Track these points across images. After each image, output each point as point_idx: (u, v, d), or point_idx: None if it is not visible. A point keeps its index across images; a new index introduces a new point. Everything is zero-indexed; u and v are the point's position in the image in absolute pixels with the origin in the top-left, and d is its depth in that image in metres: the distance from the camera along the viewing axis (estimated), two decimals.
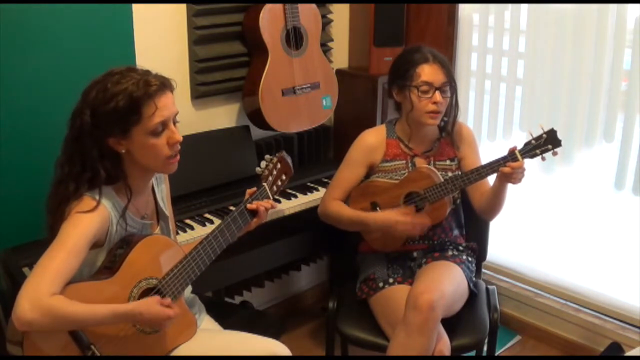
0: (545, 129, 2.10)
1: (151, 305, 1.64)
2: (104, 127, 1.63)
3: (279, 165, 2.05)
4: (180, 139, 1.71)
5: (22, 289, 1.50)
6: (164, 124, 1.67)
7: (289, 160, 2.08)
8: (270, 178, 2.01)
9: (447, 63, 2.28)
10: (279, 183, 2.06)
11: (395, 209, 2.28)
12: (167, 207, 1.94)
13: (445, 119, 2.35)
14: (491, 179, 2.24)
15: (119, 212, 1.71)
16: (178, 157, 1.74)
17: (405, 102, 2.29)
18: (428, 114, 2.24)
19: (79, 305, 1.53)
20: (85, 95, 1.65)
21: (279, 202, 2.54)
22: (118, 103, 1.60)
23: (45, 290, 1.50)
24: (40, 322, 1.48)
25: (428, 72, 2.22)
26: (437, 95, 2.22)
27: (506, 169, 2.10)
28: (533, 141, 2.12)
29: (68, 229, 1.60)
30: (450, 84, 2.26)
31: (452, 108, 2.32)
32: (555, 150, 2.10)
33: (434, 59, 2.24)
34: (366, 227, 2.34)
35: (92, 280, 1.65)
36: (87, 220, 1.62)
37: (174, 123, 1.71)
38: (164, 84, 1.67)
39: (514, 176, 2.12)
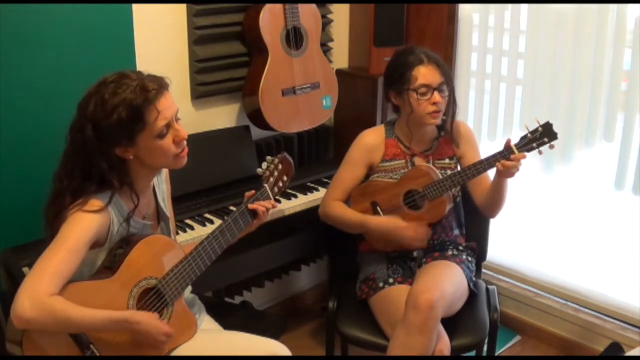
0: (541, 123, 2.10)
1: (150, 316, 1.66)
2: (109, 139, 1.62)
3: (280, 166, 2.03)
4: (186, 135, 1.72)
5: (21, 287, 1.51)
6: (168, 125, 1.68)
7: (290, 161, 2.07)
8: (271, 179, 2.01)
9: (442, 62, 2.27)
10: (280, 184, 2.05)
11: (398, 216, 2.28)
12: (167, 208, 1.94)
13: (444, 117, 2.35)
14: (492, 175, 2.24)
15: (121, 213, 1.72)
16: (186, 149, 1.75)
17: (404, 105, 2.29)
18: (429, 115, 2.24)
19: (78, 308, 1.53)
20: (82, 109, 1.63)
21: (279, 202, 2.54)
22: (120, 115, 1.59)
23: (45, 289, 1.50)
24: (38, 320, 1.48)
25: (424, 74, 2.22)
26: (436, 96, 2.22)
27: (508, 163, 2.10)
28: (529, 134, 2.12)
29: (68, 228, 1.60)
30: (447, 83, 2.25)
31: (450, 106, 2.32)
32: (552, 143, 2.10)
33: (428, 60, 2.24)
34: (368, 231, 2.34)
35: (92, 280, 1.65)
36: (88, 220, 1.62)
37: (176, 120, 1.72)
38: (161, 85, 1.67)
39: (512, 170, 2.12)
